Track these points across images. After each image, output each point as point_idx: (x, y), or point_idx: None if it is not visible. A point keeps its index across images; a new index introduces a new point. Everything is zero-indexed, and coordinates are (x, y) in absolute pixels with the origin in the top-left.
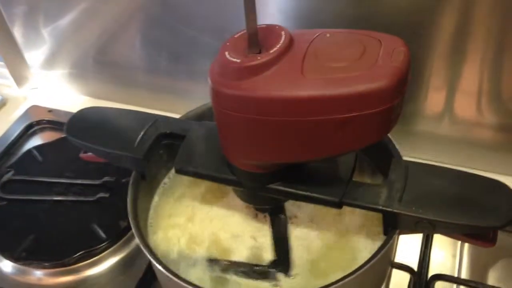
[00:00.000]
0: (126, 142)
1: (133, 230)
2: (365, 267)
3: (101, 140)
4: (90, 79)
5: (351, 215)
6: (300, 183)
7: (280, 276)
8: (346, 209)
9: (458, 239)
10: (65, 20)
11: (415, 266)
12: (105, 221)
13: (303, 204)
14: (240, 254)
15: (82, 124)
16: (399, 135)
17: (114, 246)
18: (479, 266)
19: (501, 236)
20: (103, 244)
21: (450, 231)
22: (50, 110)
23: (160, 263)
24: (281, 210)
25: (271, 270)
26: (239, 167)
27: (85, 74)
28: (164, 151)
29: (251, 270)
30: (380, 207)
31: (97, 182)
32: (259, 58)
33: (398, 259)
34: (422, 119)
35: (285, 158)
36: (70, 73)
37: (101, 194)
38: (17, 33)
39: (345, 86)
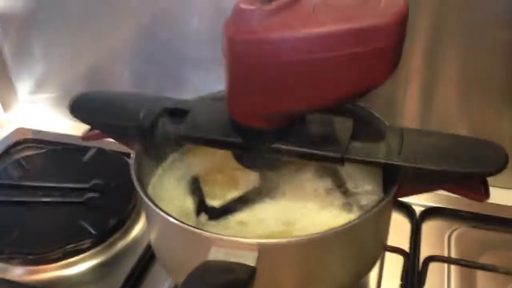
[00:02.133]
0: (131, 116)
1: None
2: (368, 214)
3: (106, 115)
4: None
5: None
6: (302, 142)
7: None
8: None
9: (454, 191)
10: (57, 45)
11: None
12: (93, 219)
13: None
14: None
15: (86, 102)
16: None
17: (101, 245)
18: (468, 257)
19: (485, 232)
20: (91, 239)
21: (446, 181)
22: (36, 131)
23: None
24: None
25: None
26: (245, 124)
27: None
28: (168, 127)
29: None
30: (382, 160)
31: (85, 185)
32: (273, 3)
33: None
34: None
35: (294, 103)
36: (59, 96)
37: (90, 195)
38: (8, 58)
39: (354, 21)
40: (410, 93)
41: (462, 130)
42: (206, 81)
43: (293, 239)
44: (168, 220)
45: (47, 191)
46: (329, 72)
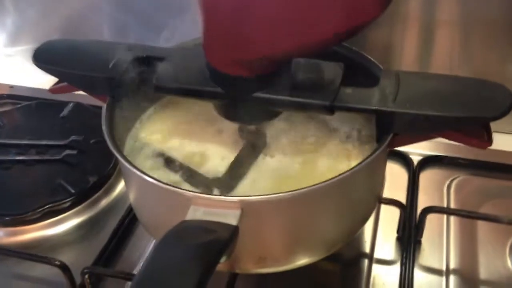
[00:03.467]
0: (100, 65)
1: (110, 145)
2: (359, 166)
3: (73, 65)
4: None
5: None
6: (287, 91)
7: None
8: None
9: (454, 139)
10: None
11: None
12: (72, 178)
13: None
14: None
15: (52, 52)
16: None
17: (83, 204)
18: (468, 207)
19: (485, 179)
20: (71, 198)
21: (446, 128)
22: (11, 86)
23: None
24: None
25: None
26: (225, 70)
27: None
28: (140, 79)
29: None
30: (374, 107)
31: (62, 142)
32: None
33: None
34: None
35: (277, 48)
36: (34, 48)
37: (68, 152)
38: None
39: None
40: (408, 36)
41: (463, 74)
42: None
43: (277, 195)
44: (144, 178)
45: (23, 149)
46: (312, 8)
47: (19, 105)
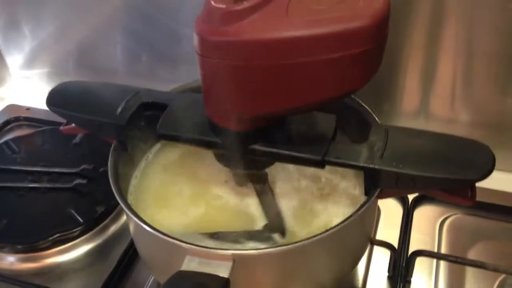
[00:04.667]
0: (108, 111)
1: (115, 194)
2: (349, 220)
3: (83, 109)
4: (69, 79)
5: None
6: (282, 143)
7: (276, 237)
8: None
9: (439, 196)
10: (47, 21)
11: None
12: (82, 207)
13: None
14: (230, 225)
15: (63, 95)
16: None
17: (91, 233)
18: (458, 248)
19: (479, 219)
20: (80, 227)
21: (430, 187)
22: (28, 108)
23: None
24: (264, 179)
25: (267, 234)
26: (222, 125)
27: (65, 74)
28: (146, 123)
29: (246, 235)
30: (362, 164)
31: (74, 170)
32: (244, 3)
33: (378, 238)
34: (399, 117)
35: (269, 107)
36: (50, 72)
37: (78, 181)
38: None
39: (328, 25)
40: (411, 68)
41: (464, 106)
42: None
43: (268, 250)
44: (143, 228)
45: (36, 176)
46: (304, 77)
47: (34, 131)
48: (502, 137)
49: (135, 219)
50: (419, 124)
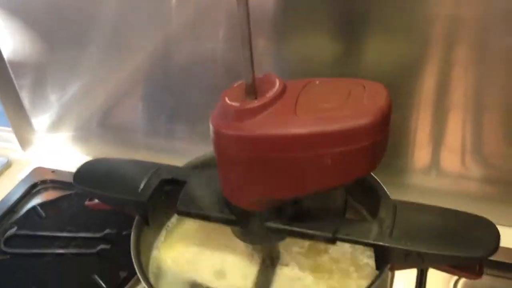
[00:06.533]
0: (130, 188)
1: (137, 270)
2: None
3: (106, 187)
4: (92, 141)
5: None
6: (295, 220)
7: None
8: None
9: (447, 271)
10: (71, 87)
11: None
12: (106, 272)
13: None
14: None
15: (89, 173)
16: (389, 188)
17: None
18: None
19: (493, 278)
20: None
21: (438, 263)
22: (53, 171)
23: None
24: (276, 252)
25: None
26: (238, 205)
27: (88, 136)
28: (166, 196)
29: None
30: (372, 242)
31: (98, 235)
32: (256, 101)
33: None
34: (410, 173)
35: (281, 194)
36: (74, 136)
37: (102, 246)
38: (25, 99)
39: (335, 123)
40: (422, 119)
41: (474, 157)
42: None
43: None
44: None
45: (63, 241)
46: (314, 168)
47: (60, 195)
48: None
49: None
50: (431, 180)
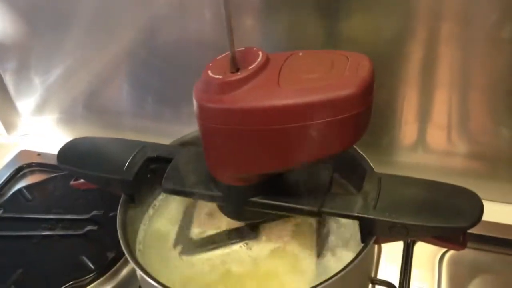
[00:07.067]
0: (116, 167)
1: (123, 247)
2: (347, 269)
3: (91, 166)
4: (78, 123)
5: None
6: (280, 195)
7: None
8: None
9: (432, 243)
10: (56, 69)
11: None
12: (93, 253)
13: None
14: None
15: (73, 152)
16: (376, 165)
17: (102, 278)
18: (458, 283)
19: (478, 252)
20: (91, 274)
21: (423, 235)
22: (39, 154)
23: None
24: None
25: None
26: (223, 181)
27: (74, 119)
28: (152, 175)
29: (225, 236)
30: (356, 214)
31: (85, 216)
32: (239, 74)
33: (380, 276)
34: (397, 150)
35: (265, 167)
36: (59, 118)
37: (89, 228)
38: (9, 83)
39: (318, 93)
40: (408, 97)
41: (460, 134)
42: None
43: None
44: (149, 281)
45: (50, 223)
46: (296, 140)
47: (46, 177)
48: (499, 169)
49: (145, 276)
50: (417, 156)
